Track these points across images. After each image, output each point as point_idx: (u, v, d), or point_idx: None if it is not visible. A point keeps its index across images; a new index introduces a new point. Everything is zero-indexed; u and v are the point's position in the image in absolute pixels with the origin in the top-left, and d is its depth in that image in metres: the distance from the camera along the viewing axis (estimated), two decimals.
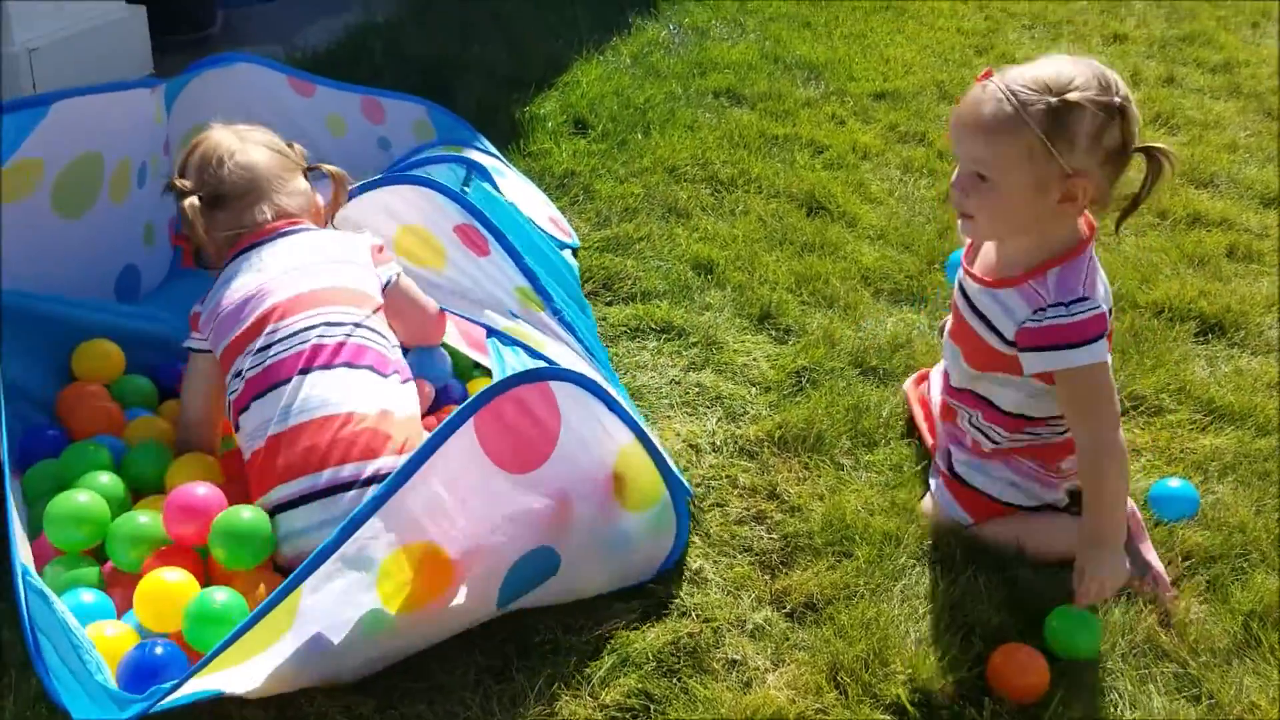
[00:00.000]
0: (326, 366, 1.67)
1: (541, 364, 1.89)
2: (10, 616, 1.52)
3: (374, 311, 1.79)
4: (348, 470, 1.59)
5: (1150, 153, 1.64)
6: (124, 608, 1.58)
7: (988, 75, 1.66)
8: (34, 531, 1.67)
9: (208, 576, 1.61)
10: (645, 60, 3.80)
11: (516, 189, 2.59)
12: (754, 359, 2.26)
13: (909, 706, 1.52)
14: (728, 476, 1.93)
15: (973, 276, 1.80)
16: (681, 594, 1.69)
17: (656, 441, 1.78)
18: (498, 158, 2.80)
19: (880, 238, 2.76)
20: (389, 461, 1.60)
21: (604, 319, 2.37)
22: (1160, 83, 3.92)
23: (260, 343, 1.71)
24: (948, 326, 1.93)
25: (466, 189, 2.25)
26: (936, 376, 2.07)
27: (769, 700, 1.52)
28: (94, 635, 1.47)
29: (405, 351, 2.01)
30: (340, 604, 1.40)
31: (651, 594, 1.68)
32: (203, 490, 1.63)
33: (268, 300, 1.75)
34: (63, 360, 1.99)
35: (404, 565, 1.42)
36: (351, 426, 1.62)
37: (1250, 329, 2.44)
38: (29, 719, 1.43)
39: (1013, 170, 1.63)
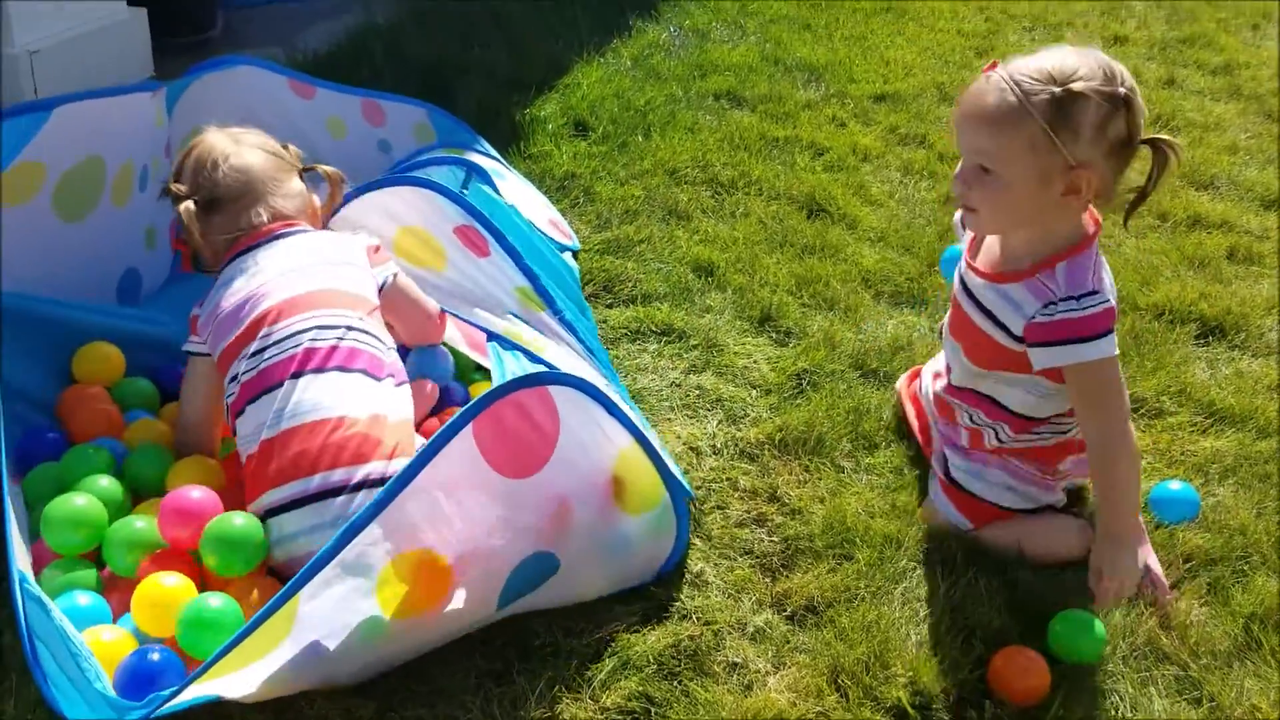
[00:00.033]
0: (319, 370, 1.67)
1: (541, 368, 1.89)
2: (11, 621, 1.51)
3: (369, 313, 1.79)
4: (338, 475, 1.59)
5: (1156, 145, 1.62)
6: (121, 611, 1.58)
7: (993, 67, 1.64)
8: (35, 535, 1.67)
9: (203, 580, 1.61)
10: (646, 62, 3.80)
11: (517, 191, 2.59)
12: (754, 361, 2.26)
13: (910, 709, 1.52)
14: (728, 479, 1.93)
15: (976, 271, 1.78)
16: (682, 597, 1.69)
17: (657, 443, 1.78)
18: (498, 160, 2.80)
19: (881, 240, 2.76)
20: (378, 466, 1.60)
21: (604, 321, 2.37)
22: (1160, 85, 3.92)
23: (254, 346, 1.71)
24: (947, 322, 1.92)
25: (465, 191, 2.25)
26: (929, 373, 2.06)
27: (770, 703, 1.52)
28: (91, 641, 1.46)
29: (406, 351, 2.02)
30: (339, 610, 1.39)
31: (652, 597, 1.68)
32: (197, 494, 1.63)
33: (263, 303, 1.75)
34: (63, 363, 1.99)
35: (402, 571, 1.42)
36: (342, 431, 1.61)
37: (1251, 331, 2.44)
38: None
39: (1016, 162, 1.61)
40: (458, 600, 1.48)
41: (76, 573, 1.61)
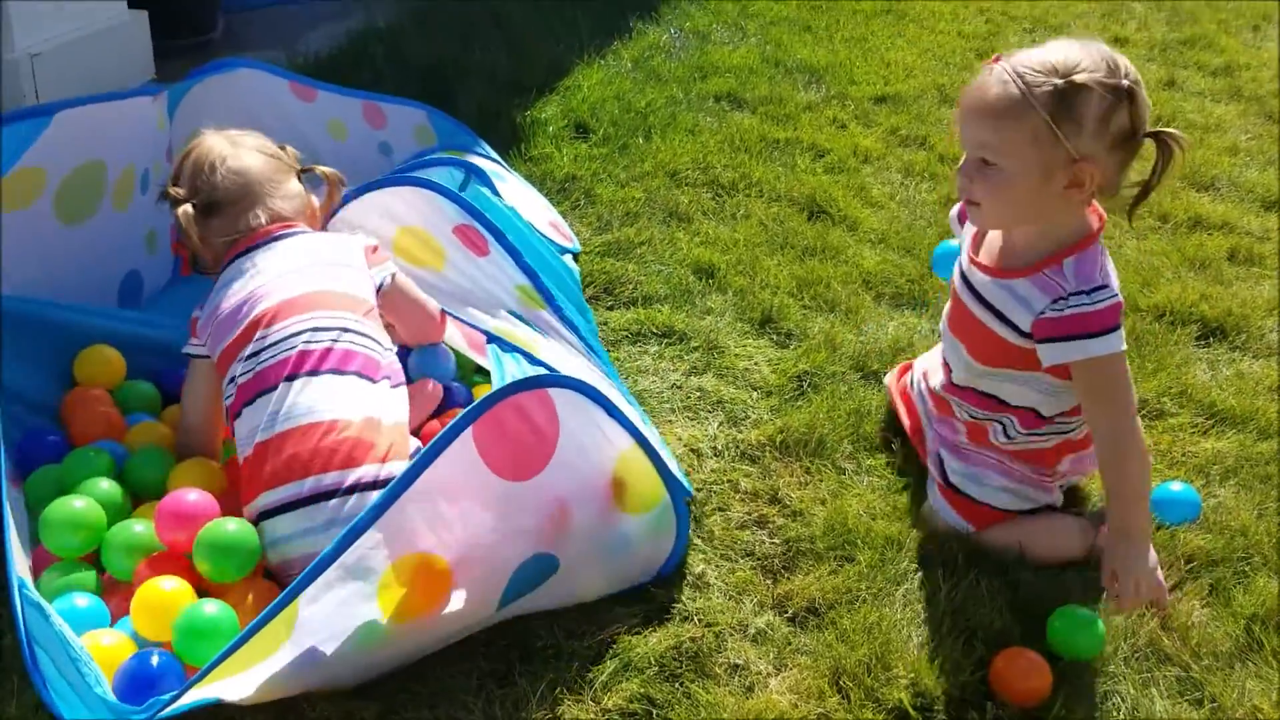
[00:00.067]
0: (313, 373, 1.67)
1: (541, 371, 1.89)
2: (12, 624, 1.51)
3: (366, 314, 1.79)
4: (330, 478, 1.59)
5: (1160, 138, 1.61)
6: (120, 615, 1.58)
7: (996, 60, 1.63)
8: (35, 539, 1.67)
9: (200, 584, 1.61)
10: (646, 64, 3.80)
11: (517, 194, 2.59)
12: (755, 363, 2.26)
13: (911, 711, 1.52)
14: (729, 481, 1.93)
15: (980, 266, 1.77)
16: (683, 598, 1.69)
17: (658, 442, 1.78)
18: (499, 162, 2.80)
19: (881, 242, 2.76)
20: (371, 470, 1.60)
21: (605, 323, 2.37)
22: (1161, 86, 3.92)
23: (251, 349, 1.72)
24: (945, 319, 1.90)
25: (463, 193, 2.25)
26: (920, 369, 2.04)
27: (771, 705, 1.52)
28: (91, 645, 1.46)
29: (408, 351, 2.02)
30: (339, 614, 1.39)
31: (653, 598, 1.68)
32: (194, 497, 1.63)
33: (260, 305, 1.75)
34: (64, 366, 1.99)
35: (403, 575, 1.42)
36: (335, 435, 1.61)
37: (1252, 332, 2.44)
38: None
39: (1018, 154, 1.60)
40: (457, 602, 1.48)
41: (76, 574, 1.61)
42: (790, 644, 1.63)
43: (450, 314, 2.04)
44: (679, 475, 1.77)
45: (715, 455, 2.00)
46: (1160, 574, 1.73)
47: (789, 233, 2.76)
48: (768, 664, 1.60)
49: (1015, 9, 4.68)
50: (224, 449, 1.90)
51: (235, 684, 1.35)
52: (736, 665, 1.59)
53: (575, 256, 2.59)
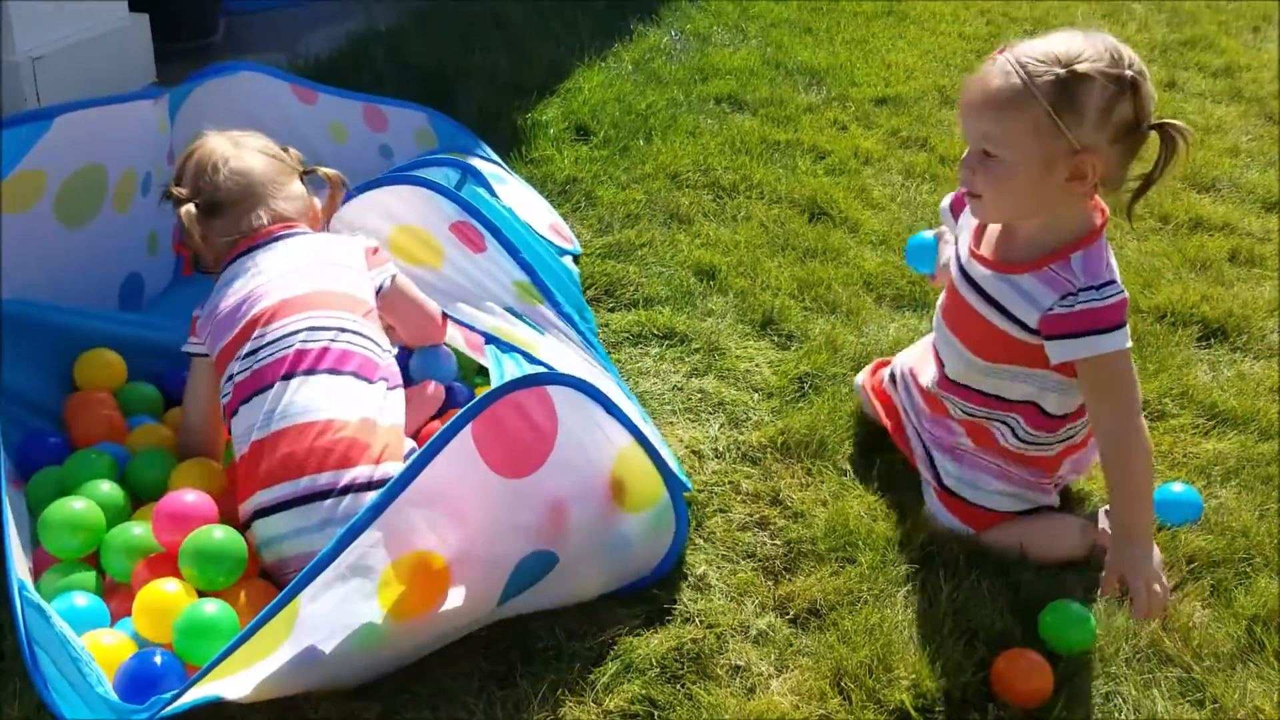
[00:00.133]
0: (310, 372, 1.67)
1: (540, 369, 1.90)
2: (12, 626, 1.51)
3: (364, 315, 1.79)
4: (324, 478, 1.59)
5: (1164, 131, 1.59)
6: (120, 616, 1.58)
7: (1001, 52, 1.62)
8: (36, 540, 1.67)
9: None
10: (647, 66, 3.80)
11: (517, 196, 2.60)
12: (756, 365, 2.26)
13: (913, 712, 1.52)
14: (730, 482, 1.93)
15: (981, 260, 1.75)
16: (685, 600, 1.69)
17: (657, 440, 1.78)
18: (499, 164, 2.81)
19: (882, 243, 2.76)
20: (365, 470, 1.60)
21: (606, 325, 2.37)
22: (1161, 87, 3.92)
23: (248, 347, 1.72)
24: (939, 312, 1.88)
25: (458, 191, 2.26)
26: (902, 366, 2.01)
27: (773, 706, 1.52)
28: (91, 645, 1.46)
29: (409, 353, 2.02)
30: (339, 613, 1.39)
31: (655, 600, 1.68)
32: (191, 497, 1.63)
33: (259, 304, 1.75)
34: (65, 369, 1.99)
35: (402, 573, 1.42)
36: (330, 434, 1.61)
37: (1253, 333, 2.44)
38: None
39: (1019, 145, 1.59)
40: (455, 600, 1.48)
41: (76, 575, 1.61)
42: (792, 645, 1.63)
43: (449, 316, 2.05)
44: (677, 471, 1.77)
45: (716, 457, 2.00)
46: (1164, 575, 1.73)
47: (790, 234, 2.76)
48: (769, 665, 1.60)
49: (1016, 10, 4.68)
50: (226, 451, 1.90)
51: (236, 682, 1.35)
52: (738, 666, 1.59)
53: (576, 258, 2.59)
